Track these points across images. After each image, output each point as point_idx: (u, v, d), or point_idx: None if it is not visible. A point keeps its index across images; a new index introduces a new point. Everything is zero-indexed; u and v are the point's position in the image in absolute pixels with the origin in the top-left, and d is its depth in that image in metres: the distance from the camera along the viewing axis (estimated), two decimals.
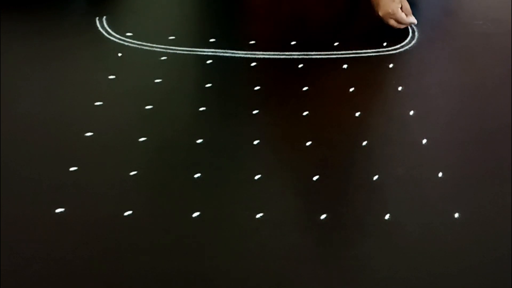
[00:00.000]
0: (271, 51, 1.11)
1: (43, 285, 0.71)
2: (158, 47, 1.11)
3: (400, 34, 1.21)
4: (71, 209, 0.79)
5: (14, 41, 1.10)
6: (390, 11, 1.18)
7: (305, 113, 0.98)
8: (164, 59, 1.08)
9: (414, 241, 0.78)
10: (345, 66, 1.10)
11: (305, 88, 1.04)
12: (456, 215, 0.82)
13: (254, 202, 0.82)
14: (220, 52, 1.11)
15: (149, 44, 1.11)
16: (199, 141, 0.91)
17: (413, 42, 1.18)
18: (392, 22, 1.20)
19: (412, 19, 1.20)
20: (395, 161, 0.90)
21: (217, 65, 1.08)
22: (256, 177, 0.86)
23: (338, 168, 0.89)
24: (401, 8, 1.19)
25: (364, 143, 0.93)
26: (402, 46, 1.16)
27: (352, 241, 0.79)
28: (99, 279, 0.72)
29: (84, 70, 1.04)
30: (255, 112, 0.97)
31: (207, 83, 1.03)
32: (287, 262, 0.75)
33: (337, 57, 1.11)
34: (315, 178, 0.87)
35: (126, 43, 1.11)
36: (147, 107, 0.97)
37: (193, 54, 1.10)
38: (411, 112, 1.00)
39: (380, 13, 1.20)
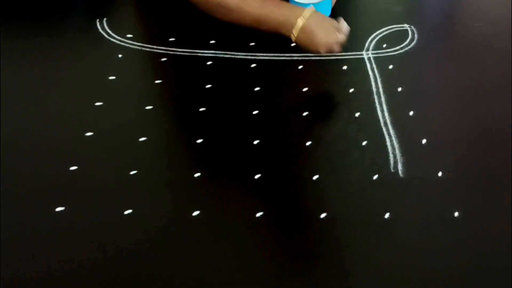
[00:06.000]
0: (271, 53, 1.12)
1: (43, 285, 0.71)
2: (158, 49, 1.11)
3: (400, 35, 1.21)
4: (71, 208, 0.79)
5: (15, 42, 1.11)
6: (331, 41, 1.00)
7: (305, 114, 0.98)
8: (165, 60, 1.08)
9: (414, 241, 0.79)
10: (344, 67, 1.10)
11: (305, 89, 1.04)
12: (456, 214, 0.82)
13: (254, 201, 0.83)
14: (220, 54, 1.11)
15: (149, 46, 1.11)
16: (199, 141, 0.91)
17: (413, 43, 1.18)
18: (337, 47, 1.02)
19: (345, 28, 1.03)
20: (395, 160, 0.90)
21: (217, 67, 1.08)
22: (256, 176, 0.86)
23: (338, 168, 0.89)
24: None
25: (364, 143, 0.93)
26: (401, 48, 1.16)
27: (352, 241, 0.79)
28: (99, 278, 0.72)
29: (85, 71, 1.04)
30: (255, 112, 0.98)
31: (207, 84, 1.03)
32: (286, 262, 0.75)
33: (336, 59, 1.12)
34: (315, 178, 0.87)
35: (127, 45, 1.11)
36: (147, 107, 0.97)
37: (193, 55, 1.10)
38: (411, 112, 1.00)
39: (322, 51, 1.01)
